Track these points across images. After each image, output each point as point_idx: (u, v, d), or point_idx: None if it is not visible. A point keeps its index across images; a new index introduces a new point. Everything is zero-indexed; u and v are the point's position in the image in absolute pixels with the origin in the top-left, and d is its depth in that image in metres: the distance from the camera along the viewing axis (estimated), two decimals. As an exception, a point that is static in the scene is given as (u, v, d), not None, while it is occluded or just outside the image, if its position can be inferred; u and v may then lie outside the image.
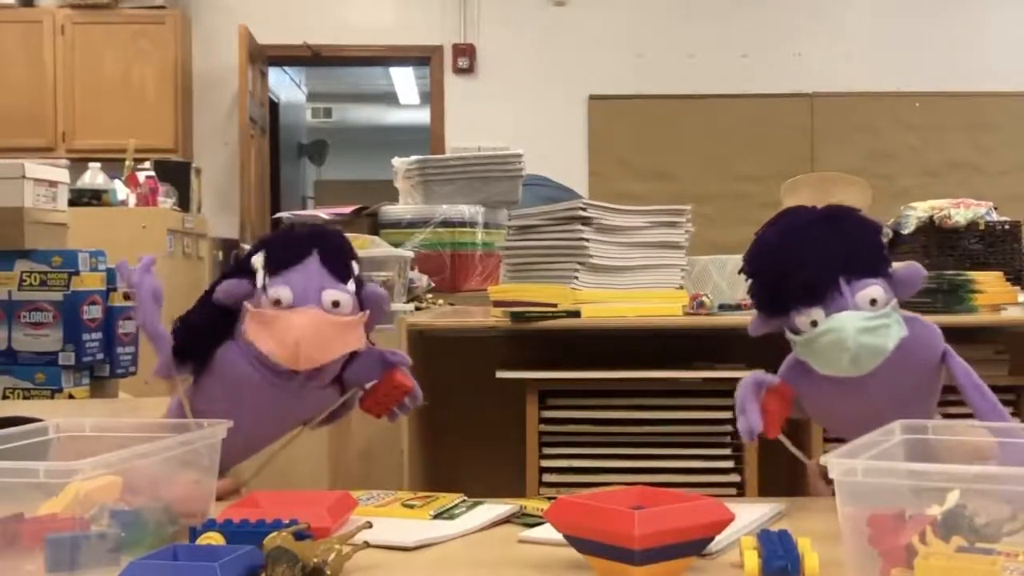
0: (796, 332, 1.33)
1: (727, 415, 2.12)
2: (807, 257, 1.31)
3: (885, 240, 1.38)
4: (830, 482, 0.97)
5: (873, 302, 1.29)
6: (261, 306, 1.40)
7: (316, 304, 1.39)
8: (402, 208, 3.41)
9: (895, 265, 1.36)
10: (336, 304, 1.40)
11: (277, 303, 1.39)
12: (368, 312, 1.44)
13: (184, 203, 5.65)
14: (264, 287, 1.40)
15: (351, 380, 1.50)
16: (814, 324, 1.30)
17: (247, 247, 1.52)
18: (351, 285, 1.43)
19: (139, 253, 1.49)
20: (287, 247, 1.44)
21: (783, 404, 1.38)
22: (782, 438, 1.43)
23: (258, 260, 1.42)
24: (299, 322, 1.38)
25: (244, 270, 1.44)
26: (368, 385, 1.53)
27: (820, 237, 1.32)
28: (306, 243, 1.44)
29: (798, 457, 1.49)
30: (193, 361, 1.44)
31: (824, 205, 1.38)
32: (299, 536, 1.02)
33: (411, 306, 2.40)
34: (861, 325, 1.28)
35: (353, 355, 1.46)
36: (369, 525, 1.14)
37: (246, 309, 1.41)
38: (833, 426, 1.56)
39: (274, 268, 1.41)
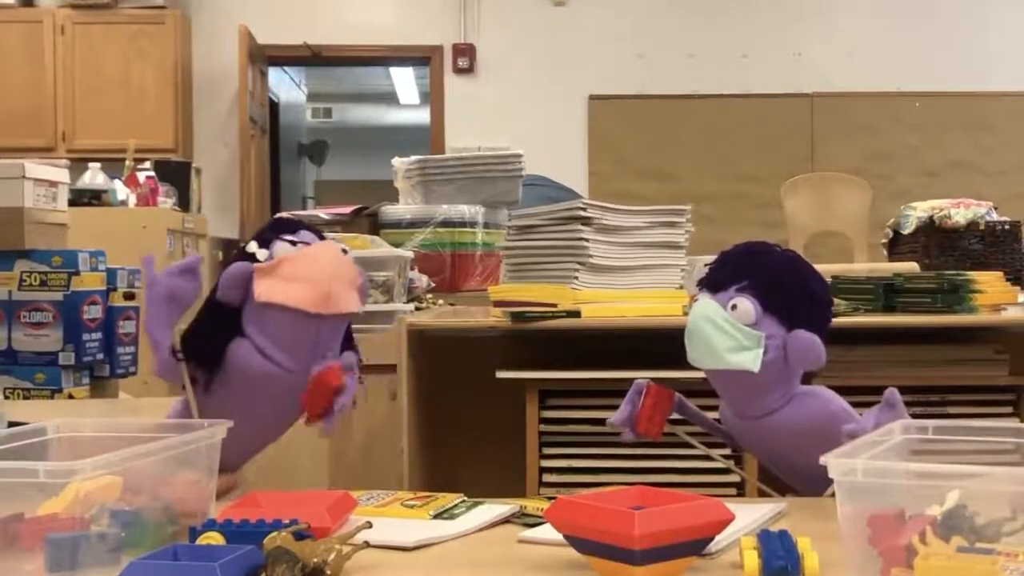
0: None
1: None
2: (730, 262, 1.47)
3: (819, 308, 1.46)
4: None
5: (734, 307, 1.41)
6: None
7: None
8: (402, 208, 3.40)
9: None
10: (344, 252, 1.40)
11: (294, 244, 1.36)
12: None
13: (184, 203, 5.65)
14: (271, 253, 1.36)
15: None
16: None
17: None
18: None
19: (139, 253, 1.47)
20: (276, 229, 1.41)
21: (655, 404, 1.58)
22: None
23: (252, 246, 1.38)
24: (325, 253, 1.36)
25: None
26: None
27: (756, 258, 1.46)
28: (292, 222, 1.43)
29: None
30: (205, 368, 1.39)
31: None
32: (299, 536, 1.02)
33: (411, 306, 2.40)
34: (709, 313, 1.42)
35: None
36: (369, 525, 1.13)
37: (254, 279, 1.35)
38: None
39: (269, 241, 1.38)
